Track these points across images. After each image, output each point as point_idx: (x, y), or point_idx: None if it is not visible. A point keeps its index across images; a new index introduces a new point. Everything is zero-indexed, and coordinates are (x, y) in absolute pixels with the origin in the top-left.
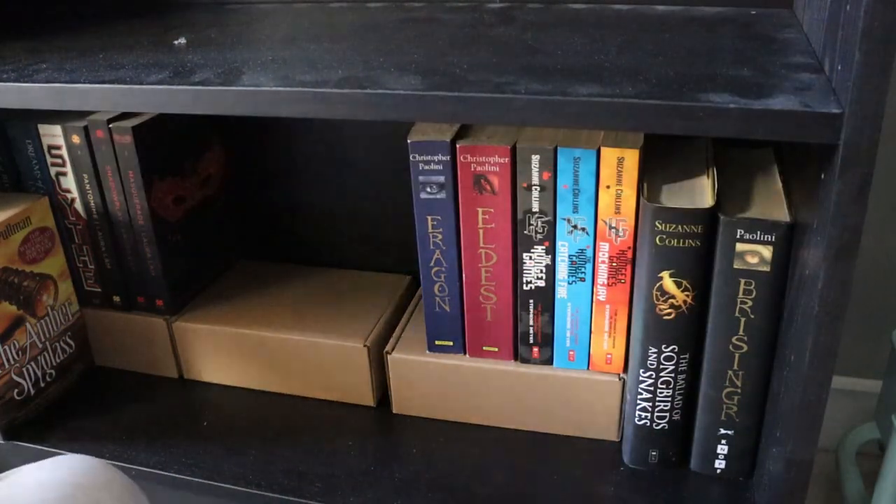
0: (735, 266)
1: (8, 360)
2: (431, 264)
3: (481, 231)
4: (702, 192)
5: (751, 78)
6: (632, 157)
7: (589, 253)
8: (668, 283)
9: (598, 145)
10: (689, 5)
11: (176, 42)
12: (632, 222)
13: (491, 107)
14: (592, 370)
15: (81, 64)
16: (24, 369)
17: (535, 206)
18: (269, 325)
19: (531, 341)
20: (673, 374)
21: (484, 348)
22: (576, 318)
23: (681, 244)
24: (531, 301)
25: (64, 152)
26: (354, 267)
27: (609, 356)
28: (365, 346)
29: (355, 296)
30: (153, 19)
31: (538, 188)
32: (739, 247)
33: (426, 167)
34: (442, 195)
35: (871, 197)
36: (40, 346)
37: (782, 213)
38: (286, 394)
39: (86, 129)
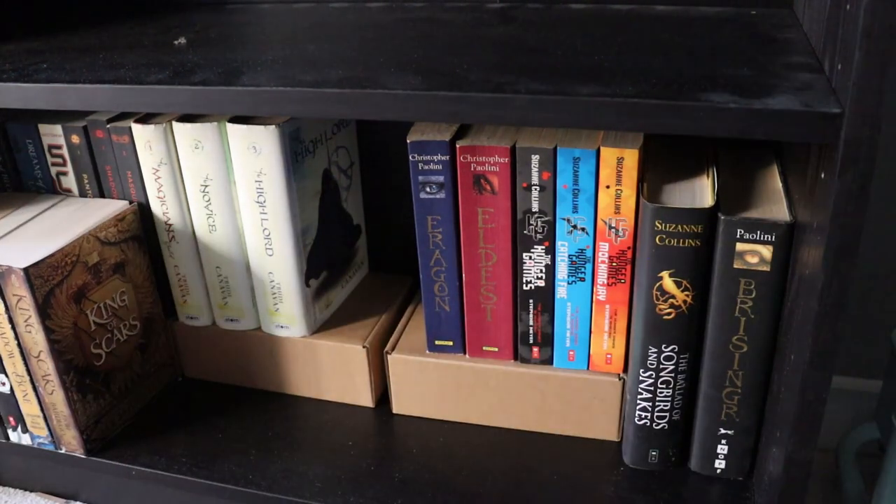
0: (735, 266)
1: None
2: (431, 264)
3: (481, 231)
4: (702, 192)
5: (751, 78)
6: (632, 157)
7: (589, 253)
8: (668, 282)
9: (598, 145)
10: (689, 5)
11: (176, 42)
12: (632, 222)
13: (491, 107)
14: (592, 370)
15: (81, 64)
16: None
17: (535, 206)
18: None
19: (531, 341)
20: (673, 374)
21: (484, 348)
22: (576, 317)
23: (681, 244)
24: (531, 301)
25: (64, 152)
26: None
27: (609, 356)
28: (364, 346)
29: (355, 296)
30: (153, 19)
31: (538, 188)
32: (739, 247)
33: (426, 167)
34: (442, 195)
35: (871, 197)
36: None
37: (782, 213)
38: (286, 394)
39: (85, 128)
